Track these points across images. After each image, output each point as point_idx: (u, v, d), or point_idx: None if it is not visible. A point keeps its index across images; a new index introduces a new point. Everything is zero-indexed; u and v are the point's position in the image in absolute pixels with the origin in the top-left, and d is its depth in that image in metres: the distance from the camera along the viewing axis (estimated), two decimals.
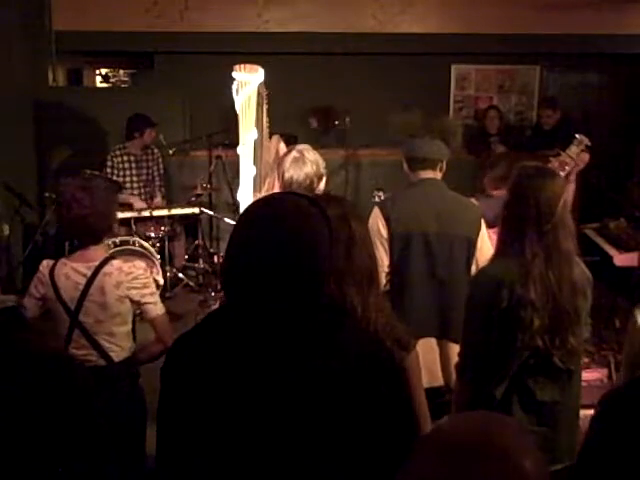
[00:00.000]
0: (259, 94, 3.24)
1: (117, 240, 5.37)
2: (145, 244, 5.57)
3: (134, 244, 5.48)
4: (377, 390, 1.49)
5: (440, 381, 2.97)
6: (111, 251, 5.08)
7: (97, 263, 2.69)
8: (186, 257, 6.53)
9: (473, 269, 2.98)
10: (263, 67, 3.22)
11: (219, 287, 5.58)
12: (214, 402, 1.46)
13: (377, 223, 2.99)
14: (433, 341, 2.99)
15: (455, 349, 2.69)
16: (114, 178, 6.03)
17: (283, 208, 1.49)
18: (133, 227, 5.83)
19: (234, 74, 3.17)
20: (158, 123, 6.19)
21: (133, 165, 6.21)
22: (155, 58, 7.48)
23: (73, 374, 1.30)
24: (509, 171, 2.53)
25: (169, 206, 6.21)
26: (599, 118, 7.47)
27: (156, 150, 6.33)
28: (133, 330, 2.87)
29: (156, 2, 7.05)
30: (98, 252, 2.76)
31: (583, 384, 2.56)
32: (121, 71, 9.76)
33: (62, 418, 1.22)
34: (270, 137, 3.50)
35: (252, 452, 1.44)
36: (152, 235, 5.89)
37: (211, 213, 6.27)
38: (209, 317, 1.59)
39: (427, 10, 7.35)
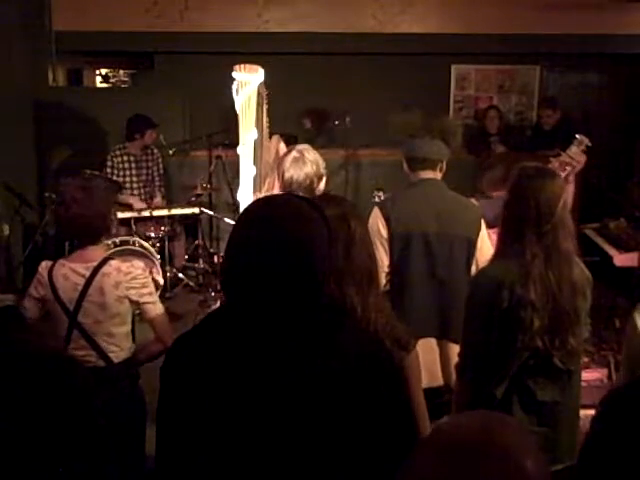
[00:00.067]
0: (259, 94, 3.24)
1: (117, 240, 5.37)
2: (145, 244, 5.57)
3: (134, 244, 5.48)
4: (377, 390, 1.49)
5: (440, 381, 2.97)
6: (111, 251, 5.08)
7: (95, 263, 2.68)
8: (186, 257, 6.53)
9: (473, 269, 2.98)
10: (263, 67, 3.22)
11: (219, 287, 5.57)
12: (214, 402, 1.46)
13: (377, 223, 2.99)
14: (433, 341, 2.99)
15: (455, 349, 2.69)
16: (114, 178, 6.03)
17: (282, 208, 1.49)
18: (133, 227, 5.83)
19: (234, 74, 3.17)
20: (158, 124, 6.19)
21: (133, 165, 6.21)
22: (155, 58, 7.47)
23: (73, 374, 1.30)
24: (506, 173, 2.53)
25: (169, 206, 6.21)
26: (599, 118, 7.46)
27: (156, 150, 6.32)
28: (132, 331, 2.87)
29: (156, 2, 7.05)
30: (96, 252, 2.75)
31: (583, 384, 2.56)
32: (121, 71, 9.75)
33: (62, 418, 1.22)
34: (270, 137, 3.50)
35: (252, 452, 1.44)
36: (152, 235, 5.89)
37: (211, 213, 6.27)
38: (209, 317, 1.59)
39: (427, 10, 7.34)
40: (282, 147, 3.36)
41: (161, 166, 6.40)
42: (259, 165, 3.31)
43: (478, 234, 3.02)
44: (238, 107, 3.18)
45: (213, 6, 7.11)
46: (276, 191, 3.00)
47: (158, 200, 6.32)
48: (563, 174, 3.36)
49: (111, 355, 2.69)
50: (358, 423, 1.46)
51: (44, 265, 2.73)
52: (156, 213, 5.95)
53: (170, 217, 6.08)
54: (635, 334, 2.13)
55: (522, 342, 2.28)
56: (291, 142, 3.95)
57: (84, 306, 2.65)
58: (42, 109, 6.63)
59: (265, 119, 3.40)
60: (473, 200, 3.28)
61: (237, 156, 3.29)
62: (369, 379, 1.48)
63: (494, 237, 2.62)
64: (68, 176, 3.81)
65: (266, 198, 1.66)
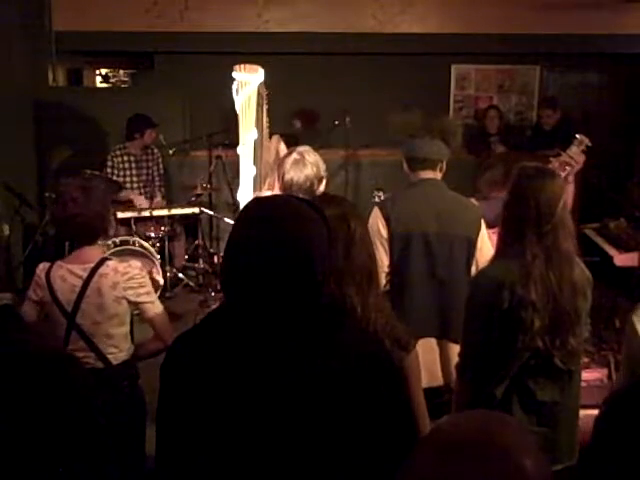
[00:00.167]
0: (259, 94, 3.24)
1: (117, 240, 5.38)
2: (145, 244, 5.57)
3: (134, 244, 5.48)
4: (377, 390, 1.49)
5: (440, 381, 2.97)
6: (111, 251, 5.09)
7: (93, 264, 2.67)
8: (186, 257, 6.53)
9: (473, 269, 2.98)
10: (263, 67, 3.22)
11: (219, 287, 5.57)
12: (214, 402, 1.46)
13: (377, 223, 2.99)
14: (433, 341, 2.99)
15: (455, 349, 2.69)
16: (114, 178, 6.04)
17: (282, 208, 1.50)
18: (133, 227, 5.84)
19: (234, 74, 3.17)
20: (158, 124, 6.19)
21: (133, 165, 6.21)
22: (155, 58, 7.47)
23: (73, 374, 1.29)
24: (505, 174, 2.53)
25: (169, 206, 6.21)
26: (599, 118, 7.45)
27: (156, 150, 6.33)
28: (131, 332, 2.86)
29: (156, 2, 7.05)
30: (94, 253, 2.74)
31: (583, 384, 2.56)
32: (121, 71, 9.75)
33: (62, 418, 1.22)
34: (270, 137, 3.50)
35: (252, 452, 1.44)
36: (152, 235, 5.90)
37: (211, 213, 6.27)
38: (209, 317, 1.59)
39: (427, 10, 7.34)
40: (282, 147, 3.36)
41: (161, 166, 6.40)
42: (259, 165, 3.31)
43: (478, 234, 3.02)
44: (238, 107, 3.18)
45: (213, 6, 7.11)
46: (276, 192, 3.00)
47: (158, 200, 6.31)
48: (563, 174, 3.36)
49: (110, 357, 2.68)
50: (358, 423, 1.46)
51: (42, 267, 2.72)
52: (156, 213, 5.95)
53: (170, 217, 6.08)
54: (635, 336, 2.13)
55: (523, 342, 2.28)
56: (291, 143, 3.95)
57: (82, 307, 2.63)
58: (42, 109, 6.63)
59: (265, 119, 3.40)
60: (473, 200, 3.28)
61: (237, 156, 3.29)
62: (369, 379, 1.48)
63: (494, 237, 2.62)
64: (68, 176, 3.81)
65: (265, 198, 1.67)
